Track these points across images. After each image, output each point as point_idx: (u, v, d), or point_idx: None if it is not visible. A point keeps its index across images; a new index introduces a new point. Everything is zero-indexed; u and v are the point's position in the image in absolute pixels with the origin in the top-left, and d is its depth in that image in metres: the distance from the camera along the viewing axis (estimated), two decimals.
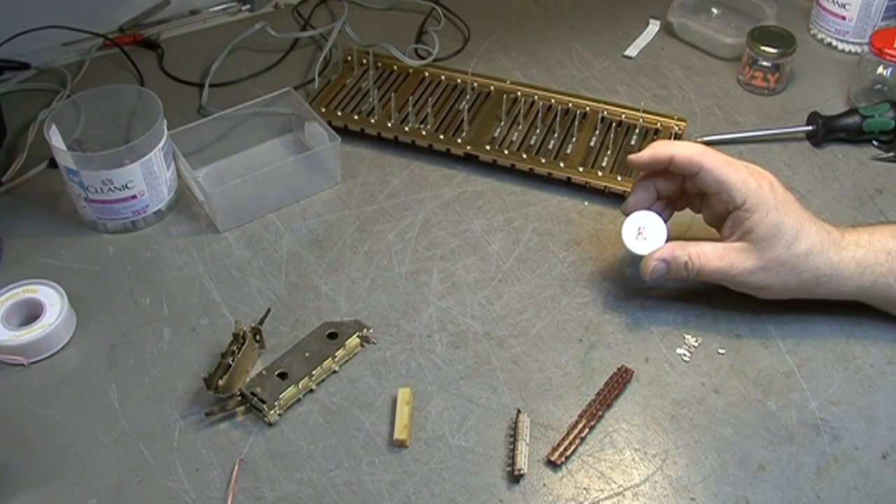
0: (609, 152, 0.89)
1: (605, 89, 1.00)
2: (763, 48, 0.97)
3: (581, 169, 0.87)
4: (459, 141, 0.90)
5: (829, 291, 0.73)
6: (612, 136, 0.89)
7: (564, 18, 1.12)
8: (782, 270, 0.71)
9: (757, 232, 0.71)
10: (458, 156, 0.90)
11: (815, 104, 0.97)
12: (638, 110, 0.92)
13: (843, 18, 1.04)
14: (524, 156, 0.88)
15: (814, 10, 1.08)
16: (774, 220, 0.70)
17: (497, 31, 1.09)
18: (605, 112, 0.93)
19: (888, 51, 0.93)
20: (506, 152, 0.89)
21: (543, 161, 0.88)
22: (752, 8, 1.07)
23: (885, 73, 0.95)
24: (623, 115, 0.93)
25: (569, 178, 0.87)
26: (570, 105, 0.94)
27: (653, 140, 0.90)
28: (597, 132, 0.91)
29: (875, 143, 0.93)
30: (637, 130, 0.91)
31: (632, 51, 1.06)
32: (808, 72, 1.03)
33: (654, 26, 1.10)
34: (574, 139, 0.90)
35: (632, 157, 0.75)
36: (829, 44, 1.07)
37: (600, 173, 0.86)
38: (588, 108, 0.94)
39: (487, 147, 0.89)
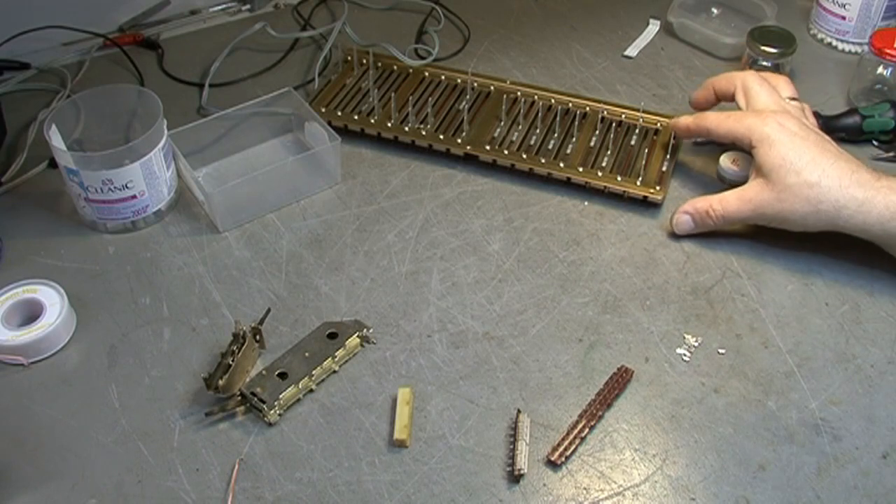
0: (609, 152, 0.89)
1: (605, 89, 1.00)
2: (763, 48, 0.97)
3: (581, 169, 0.87)
4: (459, 141, 0.90)
5: (855, 227, 0.75)
6: (611, 136, 0.89)
7: (564, 18, 1.12)
8: (796, 200, 0.75)
9: (765, 164, 0.77)
10: (457, 156, 0.90)
11: (816, 104, 0.96)
12: (638, 110, 0.92)
13: (843, 18, 1.04)
14: (524, 156, 0.88)
15: (814, 10, 1.08)
16: (780, 152, 0.76)
17: (497, 31, 1.09)
18: (605, 112, 0.93)
19: (888, 51, 0.93)
20: (505, 152, 0.89)
21: (543, 161, 0.88)
22: (752, 8, 1.07)
23: (885, 73, 0.95)
24: (623, 115, 0.93)
25: (568, 179, 0.87)
26: (570, 105, 0.94)
27: (653, 140, 0.90)
28: (597, 132, 0.91)
29: (875, 143, 0.93)
30: (637, 131, 0.91)
31: (632, 51, 1.06)
32: (808, 72, 1.03)
33: (654, 26, 1.10)
34: (574, 139, 0.90)
35: (677, 127, 0.87)
36: (829, 44, 1.07)
37: (600, 173, 0.86)
38: (588, 108, 0.93)
39: (487, 147, 0.89)
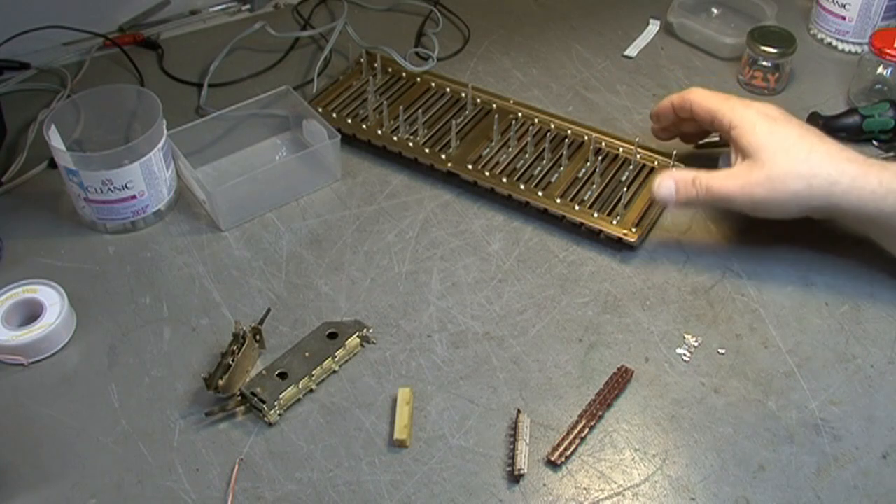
0: (594, 185, 0.85)
1: (605, 89, 1.00)
2: (763, 48, 0.97)
3: (559, 200, 0.83)
4: (444, 157, 0.88)
5: (849, 207, 0.73)
6: (602, 168, 0.86)
7: (564, 18, 1.12)
8: (788, 176, 0.73)
9: (751, 145, 0.74)
10: (442, 171, 0.88)
11: (815, 104, 0.97)
12: (633, 144, 0.88)
13: (843, 18, 1.04)
14: (504, 179, 0.85)
15: (814, 10, 1.08)
16: (765, 131, 0.74)
17: (497, 31, 1.09)
18: (603, 143, 0.89)
19: (888, 51, 0.93)
20: (487, 174, 0.86)
21: (522, 187, 0.84)
22: (752, 8, 1.07)
23: (885, 73, 0.95)
24: (620, 149, 0.89)
25: (545, 210, 0.84)
26: (569, 132, 0.91)
27: (644, 178, 0.86)
28: (587, 163, 0.88)
29: (875, 142, 0.93)
30: (631, 166, 0.87)
31: (632, 51, 1.06)
32: (808, 72, 1.03)
33: (654, 26, 1.10)
34: (562, 168, 0.87)
35: (652, 115, 0.87)
36: (829, 44, 1.07)
37: (577, 207, 0.83)
38: (585, 138, 0.90)
39: (470, 167, 0.87)
